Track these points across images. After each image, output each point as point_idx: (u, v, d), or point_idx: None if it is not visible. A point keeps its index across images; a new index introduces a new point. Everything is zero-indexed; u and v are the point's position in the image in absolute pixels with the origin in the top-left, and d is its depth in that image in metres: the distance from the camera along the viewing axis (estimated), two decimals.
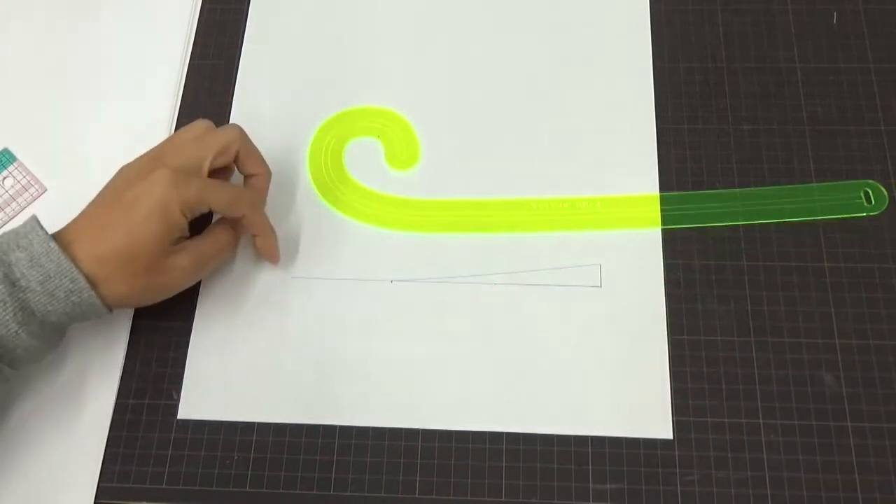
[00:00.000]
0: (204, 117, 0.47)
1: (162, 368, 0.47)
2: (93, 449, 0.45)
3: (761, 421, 0.44)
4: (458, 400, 0.45)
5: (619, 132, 0.51)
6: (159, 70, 0.55)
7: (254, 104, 0.54)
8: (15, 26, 0.57)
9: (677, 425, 0.44)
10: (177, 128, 0.53)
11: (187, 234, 0.44)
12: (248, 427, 0.45)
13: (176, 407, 0.46)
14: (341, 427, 0.45)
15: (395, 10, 0.56)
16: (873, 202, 0.48)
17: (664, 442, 0.44)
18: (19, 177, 0.52)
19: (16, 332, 0.39)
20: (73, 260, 0.41)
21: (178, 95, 0.54)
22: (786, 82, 0.52)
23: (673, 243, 0.48)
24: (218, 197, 0.44)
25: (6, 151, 0.53)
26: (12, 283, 0.39)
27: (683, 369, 0.45)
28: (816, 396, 0.45)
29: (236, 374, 0.47)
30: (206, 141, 0.45)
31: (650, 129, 0.51)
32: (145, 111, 0.54)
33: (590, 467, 0.44)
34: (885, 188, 0.49)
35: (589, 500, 0.43)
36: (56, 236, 0.42)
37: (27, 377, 0.46)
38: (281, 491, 0.44)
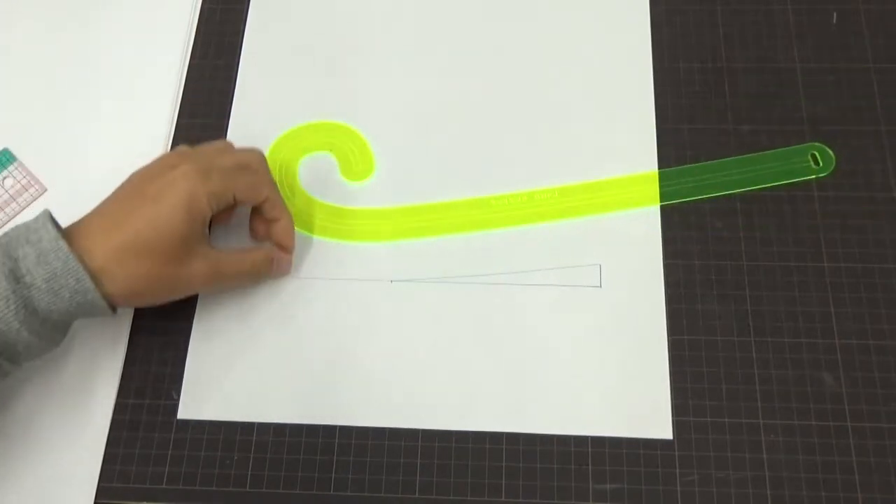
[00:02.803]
0: (204, 117, 0.47)
1: (162, 368, 0.47)
2: (93, 449, 0.45)
3: (761, 421, 0.44)
4: (459, 400, 0.45)
5: (618, 132, 0.51)
6: (159, 70, 0.55)
7: (254, 104, 0.54)
8: (15, 27, 0.57)
9: (677, 425, 0.44)
10: (176, 128, 0.53)
11: (208, 235, 0.44)
12: (248, 427, 0.45)
13: (176, 407, 0.46)
14: (341, 427, 0.45)
15: (395, 9, 0.56)
16: (821, 164, 0.49)
17: (664, 442, 0.44)
18: (19, 177, 0.52)
19: (17, 329, 0.39)
20: (84, 253, 0.40)
21: (178, 95, 0.54)
22: (786, 82, 0.52)
23: (673, 243, 0.48)
24: (241, 183, 0.44)
25: (6, 151, 0.53)
26: (17, 280, 0.39)
27: (683, 369, 0.45)
28: (816, 396, 0.45)
29: (236, 374, 0.47)
30: (226, 150, 0.46)
31: (650, 129, 0.51)
32: (145, 111, 0.54)
33: (590, 467, 0.44)
34: (830, 149, 0.49)
35: (589, 500, 0.43)
36: (68, 231, 0.41)
37: (27, 377, 0.46)
38: (281, 491, 0.44)
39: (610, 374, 0.45)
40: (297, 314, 0.48)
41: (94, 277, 0.40)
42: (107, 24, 0.57)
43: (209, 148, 0.46)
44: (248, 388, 0.46)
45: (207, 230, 0.44)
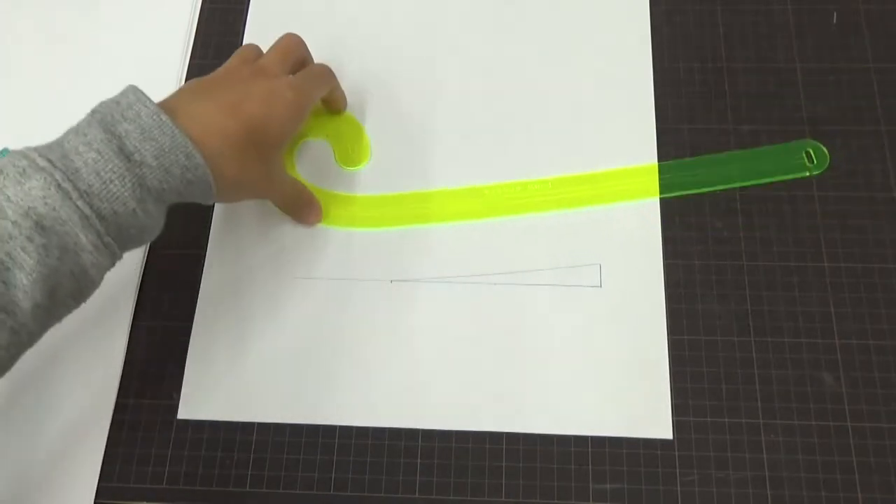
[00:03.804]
0: None
1: (162, 368, 0.47)
2: (93, 449, 0.45)
3: (761, 421, 0.44)
4: (459, 400, 0.45)
5: (618, 132, 0.51)
6: (159, 70, 0.55)
7: None
8: (15, 27, 0.57)
9: (677, 425, 0.44)
10: None
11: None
12: (248, 427, 0.45)
13: (176, 407, 0.46)
14: (341, 427, 0.45)
15: (395, 9, 0.56)
16: (815, 161, 0.49)
17: (664, 442, 0.44)
18: None
19: (134, 209, 0.37)
20: (188, 130, 0.39)
21: None
22: (786, 82, 0.52)
23: (673, 243, 0.48)
24: (318, 83, 0.49)
25: (6, 151, 0.52)
26: (128, 158, 0.37)
27: (683, 369, 0.45)
28: (816, 396, 0.45)
29: (236, 374, 0.47)
30: (286, 59, 0.48)
31: (650, 128, 0.51)
32: None
33: (590, 467, 0.44)
34: (825, 147, 0.50)
35: (589, 500, 0.43)
36: (162, 106, 0.40)
37: (27, 377, 0.46)
38: (281, 491, 0.44)
39: (610, 374, 0.45)
40: (298, 314, 0.48)
41: (204, 161, 0.39)
42: (107, 24, 0.57)
43: (273, 58, 0.47)
44: (248, 387, 0.46)
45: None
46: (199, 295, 0.48)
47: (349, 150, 0.52)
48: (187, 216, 0.51)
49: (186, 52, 0.55)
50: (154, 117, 0.38)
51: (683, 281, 0.48)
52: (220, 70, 0.46)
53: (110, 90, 0.51)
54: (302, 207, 0.49)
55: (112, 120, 0.38)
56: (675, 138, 0.51)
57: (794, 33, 0.54)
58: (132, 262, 0.49)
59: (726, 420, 0.44)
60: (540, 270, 0.48)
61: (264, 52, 0.48)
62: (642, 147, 0.51)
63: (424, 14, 0.56)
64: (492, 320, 0.47)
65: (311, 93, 0.47)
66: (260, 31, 0.56)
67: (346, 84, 0.53)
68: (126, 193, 0.37)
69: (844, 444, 0.44)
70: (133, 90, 0.39)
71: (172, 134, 0.38)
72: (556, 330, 0.47)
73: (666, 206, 0.49)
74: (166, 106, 0.40)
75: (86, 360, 0.47)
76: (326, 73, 0.50)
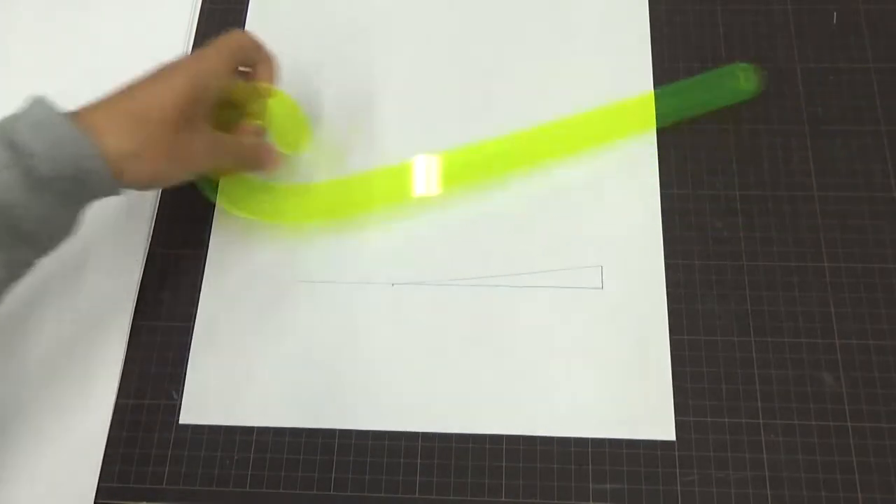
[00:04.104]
0: None
1: (162, 368, 0.47)
2: (93, 449, 0.45)
3: (761, 421, 0.44)
4: (461, 403, 0.45)
5: (618, 132, 0.51)
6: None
7: None
8: (15, 26, 0.57)
9: (677, 425, 0.44)
10: None
11: (210, 119, 0.44)
12: (248, 427, 0.45)
13: (176, 407, 0.46)
14: (341, 430, 0.45)
15: (395, 9, 0.56)
16: (748, 82, 0.51)
17: (664, 442, 0.44)
18: None
19: (26, 200, 0.38)
20: (81, 121, 0.39)
21: None
22: (786, 82, 0.52)
23: (673, 243, 0.48)
24: (220, 48, 0.46)
25: None
26: (14, 149, 0.38)
27: (684, 369, 0.45)
28: (816, 396, 0.45)
29: (237, 377, 0.47)
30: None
31: (650, 128, 0.51)
32: None
33: (590, 467, 0.44)
34: (756, 69, 0.51)
35: (589, 500, 0.43)
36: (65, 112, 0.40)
37: (27, 376, 0.46)
38: (281, 491, 0.44)
39: (612, 376, 0.45)
40: (299, 317, 0.48)
41: (94, 141, 0.39)
42: (107, 24, 0.57)
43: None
44: (249, 391, 0.46)
45: (209, 116, 0.44)
46: (200, 296, 0.48)
47: (287, 133, 0.50)
48: (188, 216, 0.51)
49: (186, 52, 0.55)
50: (46, 111, 0.39)
51: (683, 281, 0.48)
52: None
53: (110, 90, 0.51)
54: (254, 158, 0.48)
55: (7, 123, 0.39)
56: (675, 138, 0.51)
57: (794, 33, 0.54)
58: (132, 262, 0.49)
59: (726, 420, 0.44)
60: (542, 273, 0.48)
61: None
62: (642, 148, 0.51)
63: (424, 15, 0.56)
64: (494, 322, 0.47)
65: (211, 57, 0.45)
66: (260, 31, 0.56)
67: (344, 85, 0.53)
68: (12, 183, 0.37)
69: (844, 444, 0.44)
70: (38, 100, 0.40)
71: (62, 123, 0.39)
72: (558, 332, 0.47)
73: (666, 205, 0.49)
74: (73, 110, 0.41)
75: (86, 361, 0.47)
76: (235, 38, 0.47)
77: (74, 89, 0.54)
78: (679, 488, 0.43)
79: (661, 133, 0.51)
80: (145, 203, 0.51)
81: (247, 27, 0.56)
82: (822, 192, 0.49)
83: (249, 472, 0.45)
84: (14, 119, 0.39)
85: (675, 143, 0.51)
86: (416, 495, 0.44)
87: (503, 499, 0.44)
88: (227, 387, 0.46)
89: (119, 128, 0.40)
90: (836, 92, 0.52)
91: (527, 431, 0.45)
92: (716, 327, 0.46)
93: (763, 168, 0.50)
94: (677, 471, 0.44)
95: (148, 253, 0.50)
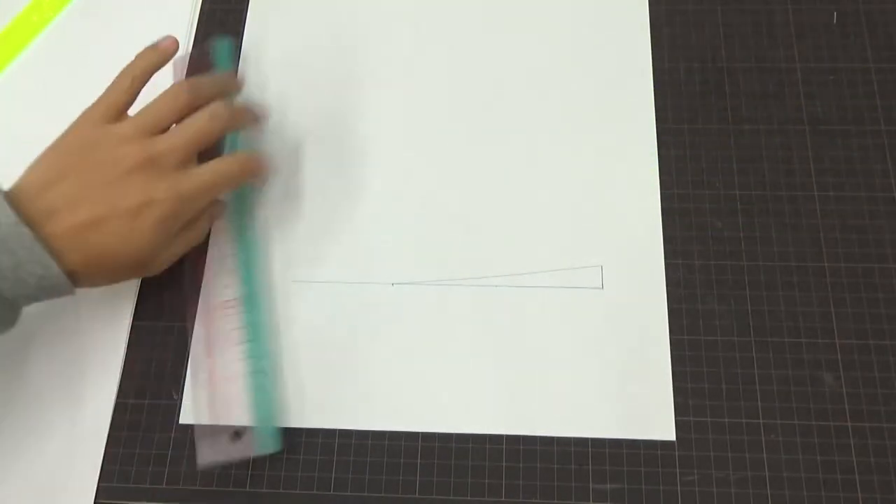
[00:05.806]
0: None
1: (162, 368, 0.47)
2: (93, 449, 0.45)
3: (761, 421, 0.44)
4: (461, 403, 0.45)
5: (618, 132, 0.51)
6: (159, 70, 0.55)
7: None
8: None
9: (677, 425, 0.44)
10: None
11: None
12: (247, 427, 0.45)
13: (176, 407, 0.46)
14: (341, 430, 0.45)
15: (395, 9, 0.56)
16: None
17: (664, 442, 0.44)
18: None
19: None
20: (49, 239, 0.39)
21: None
22: (786, 82, 0.52)
23: (673, 243, 0.48)
24: (215, 186, 0.45)
25: None
26: None
27: (684, 369, 0.45)
28: (816, 396, 0.45)
29: (237, 377, 0.47)
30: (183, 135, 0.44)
31: (650, 128, 0.51)
32: None
33: (590, 467, 0.44)
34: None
35: (589, 500, 0.43)
36: (23, 211, 0.39)
37: (27, 377, 0.46)
38: (281, 491, 0.44)
39: (612, 376, 0.45)
40: (298, 316, 0.48)
41: (61, 268, 0.40)
42: (106, 25, 0.57)
43: (174, 142, 0.43)
44: (248, 391, 0.46)
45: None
46: (200, 297, 0.48)
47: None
48: None
49: (186, 52, 0.55)
50: (13, 228, 0.38)
51: (683, 281, 0.48)
52: (111, 138, 0.43)
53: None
54: (232, 180, 0.47)
55: None
56: (675, 138, 0.51)
57: (794, 33, 0.54)
58: None
59: (726, 420, 0.44)
60: (541, 273, 0.48)
61: (207, 79, 0.46)
62: (642, 148, 0.51)
63: (424, 15, 0.56)
64: (494, 323, 0.47)
65: (199, 200, 0.44)
66: (260, 31, 0.56)
67: (345, 87, 0.53)
68: None
69: (844, 444, 0.44)
70: (2, 204, 0.38)
71: (31, 247, 0.38)
72: (558, 332, 0.47)
73: (666, 205, 0.49)
74: (34, 207, 0.40)
75: (86, 361, 0.47)
76: (237, 170, 0.46)
77: (74, 88, 0.54)
78: (679, 488, 0.43)
79: (661, 133, 0.51)
80: None
81: (247, 28, 0.56)
82: (822, 192, 0.49)
83: (249, 472, 0.45)
84: None
85: (675, 143, 0.51)
86: (416, 495, 0.44)
87: (503, 499, 0.44)
88: (227, 387, 0.46)
89: (87, 267, 0.41)
90: (836, 92, 0.52)
91: (527, 431, 0.45)
92: (716, 327, 0.46)
93: (763, 168, 0.50)
94: (677, 471, 0.44)
95: None
